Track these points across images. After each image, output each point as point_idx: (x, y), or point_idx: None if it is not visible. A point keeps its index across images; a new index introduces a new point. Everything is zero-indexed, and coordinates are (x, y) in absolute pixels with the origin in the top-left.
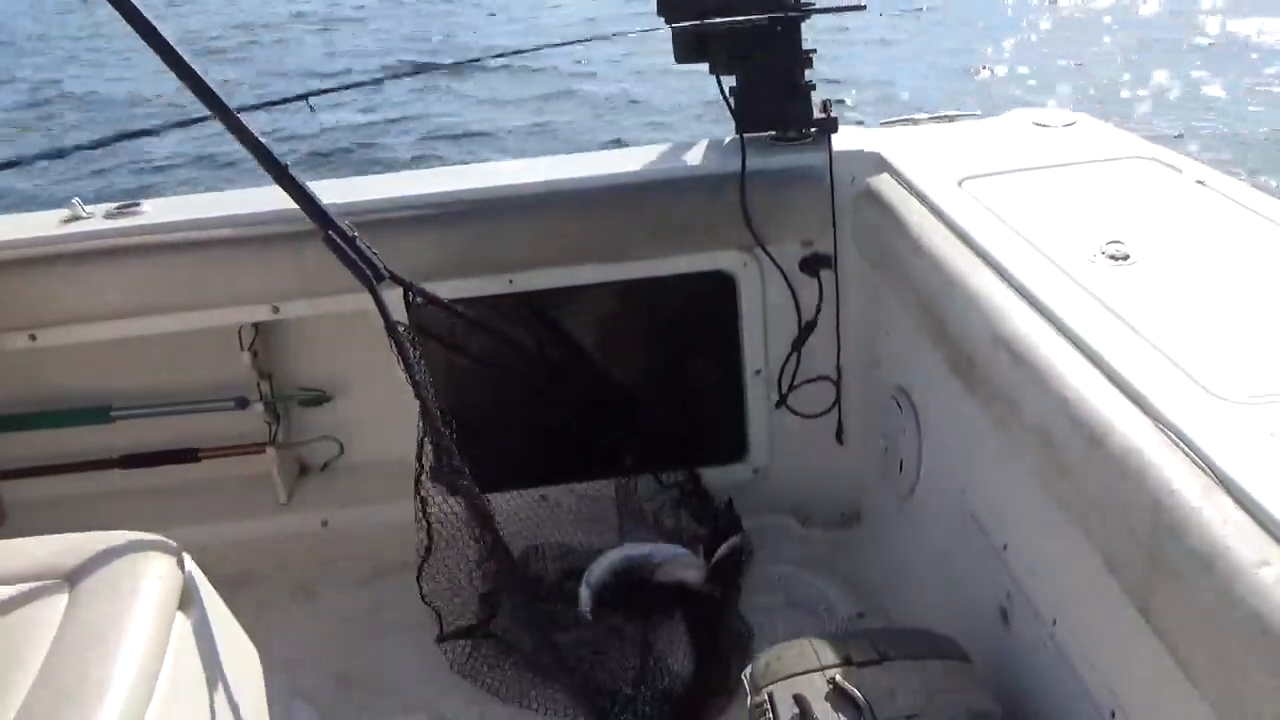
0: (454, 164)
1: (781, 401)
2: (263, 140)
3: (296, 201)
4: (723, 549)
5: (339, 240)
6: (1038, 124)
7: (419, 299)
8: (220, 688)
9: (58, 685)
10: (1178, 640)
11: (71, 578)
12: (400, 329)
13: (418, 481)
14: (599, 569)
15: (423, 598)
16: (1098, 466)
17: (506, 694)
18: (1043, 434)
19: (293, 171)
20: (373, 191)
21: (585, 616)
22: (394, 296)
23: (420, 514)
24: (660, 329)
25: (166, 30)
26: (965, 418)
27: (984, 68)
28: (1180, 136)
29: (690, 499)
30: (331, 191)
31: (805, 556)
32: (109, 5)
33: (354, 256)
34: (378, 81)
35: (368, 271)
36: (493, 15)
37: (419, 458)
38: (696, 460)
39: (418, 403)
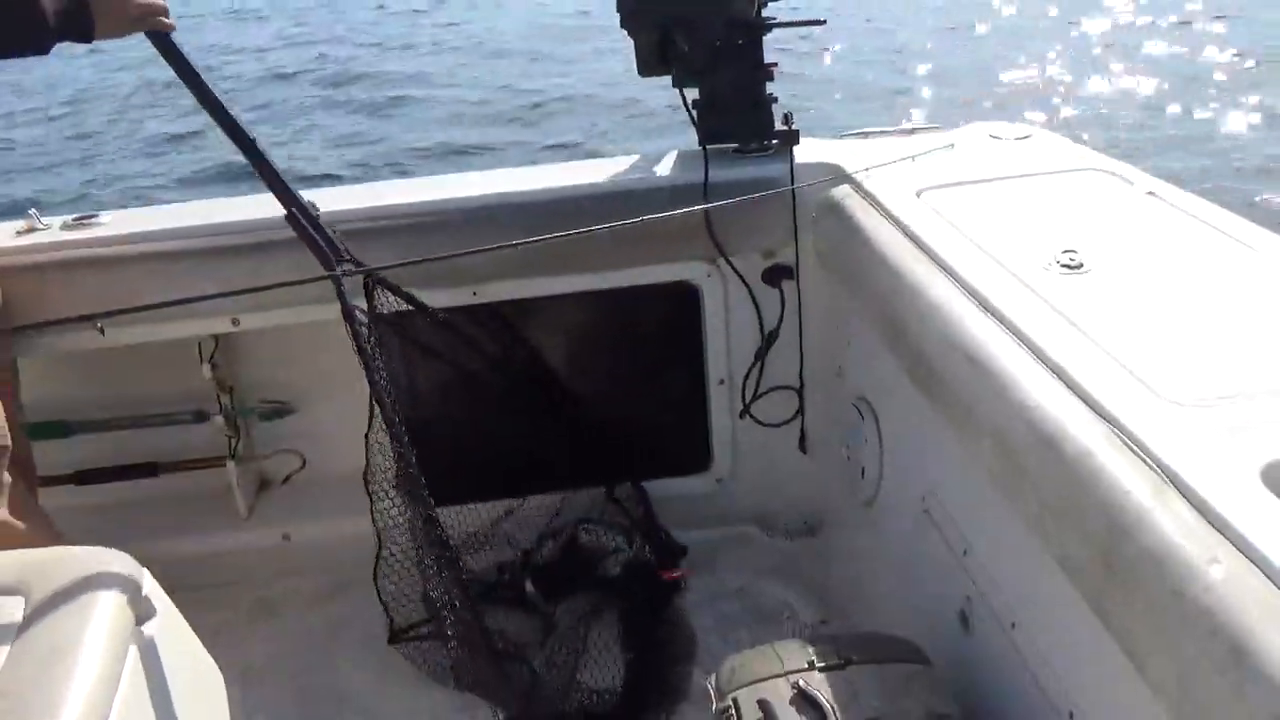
0: (418, 175)
1: (745, 411)
2: (231, 112)
3: (262, 176)
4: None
5: (301, 219)
6: (993, 136)
7: (379, 287)
8: (179, 703)
9: (13, 703)
10: (1132, 640)
11: (27, 594)
12: (359, 315)
13: (367, 479)
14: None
15: (379, 597)
16: (1052, 470)
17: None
18: (999, 439)
19: (260, 146)
20: (337, 201)
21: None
22: (354, 285)
23: (371, 512)
24: (624, 340)
25: None
26: (924, 425)
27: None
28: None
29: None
30: None
31: (769, 565)
32: None
33: (315, 237)
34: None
35: (328, 252)
36: None
37: (367, 454)
38: (660, 470)
39: (373, 401)
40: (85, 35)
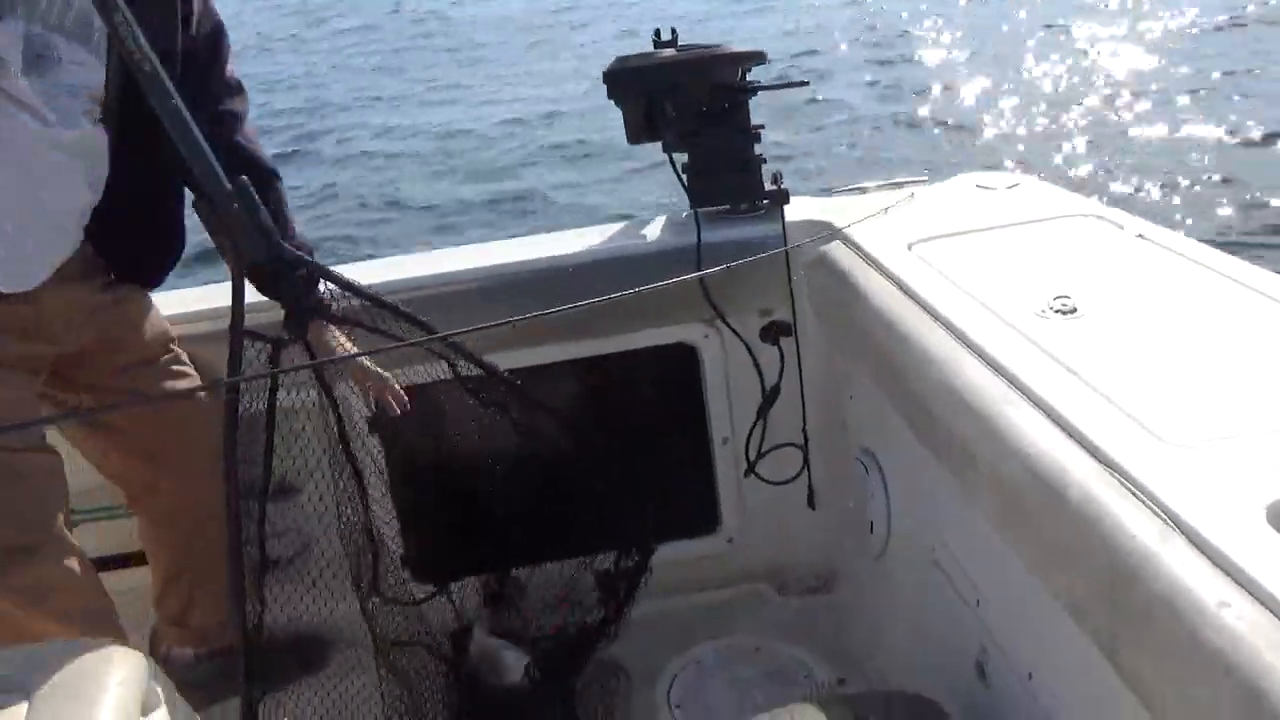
0: (413, 250)
1: (750, 469)
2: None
3: (182, 146)
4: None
5: (219, 208)
6: (982, 186)
7: (329, 284)
8: None
9: None
10: (1147, 687)
11: (30, 689)
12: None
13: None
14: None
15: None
16: (1055, 516)
17: None
18: (1001, 487)
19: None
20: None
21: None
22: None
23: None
24: (626, 404)
25: None
26: (929, 475)
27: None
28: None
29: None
30: None
31: (783, 624)
32: None
33: (233, 229)
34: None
35: (231, 251)
36: None
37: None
38: (669, 533)
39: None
40: None
